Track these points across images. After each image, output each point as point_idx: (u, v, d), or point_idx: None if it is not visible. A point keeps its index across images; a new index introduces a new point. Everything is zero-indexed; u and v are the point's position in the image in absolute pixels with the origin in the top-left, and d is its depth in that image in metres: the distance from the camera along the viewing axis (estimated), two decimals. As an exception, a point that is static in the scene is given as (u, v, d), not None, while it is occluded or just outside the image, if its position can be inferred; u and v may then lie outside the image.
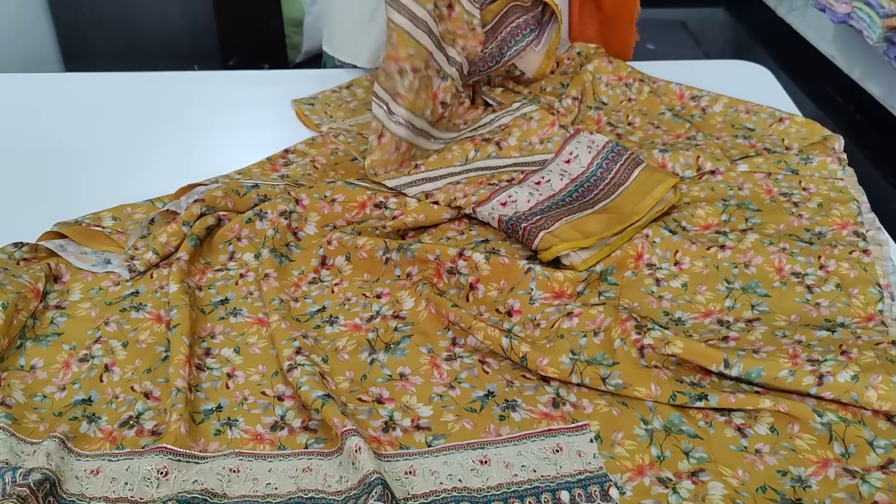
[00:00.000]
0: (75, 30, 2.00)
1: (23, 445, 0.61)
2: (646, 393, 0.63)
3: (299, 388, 0.64)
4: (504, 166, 0.90)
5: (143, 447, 0.62)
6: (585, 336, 0.68)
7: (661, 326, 0.67)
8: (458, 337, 0.71)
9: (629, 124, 1.02)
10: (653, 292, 0.75)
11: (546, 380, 0.67)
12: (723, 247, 0.78)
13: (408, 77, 0.86)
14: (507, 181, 0.87)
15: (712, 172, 0.90)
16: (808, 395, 0.62)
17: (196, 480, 0.59)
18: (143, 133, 1.03)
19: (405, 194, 0.85)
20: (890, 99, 2.17)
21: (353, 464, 0.58)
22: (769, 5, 3.01)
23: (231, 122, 1.05)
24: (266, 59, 2.06)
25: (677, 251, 0.78)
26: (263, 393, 0.67)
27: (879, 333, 0.67)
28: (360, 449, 0.58)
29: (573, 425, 0.62)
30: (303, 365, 0.66)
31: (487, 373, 0.68)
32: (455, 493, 0.57)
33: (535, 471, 0.59)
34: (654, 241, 0.78)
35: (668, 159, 0.91)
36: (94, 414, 0.64)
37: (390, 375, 0.68)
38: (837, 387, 0.61)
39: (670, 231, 0.79)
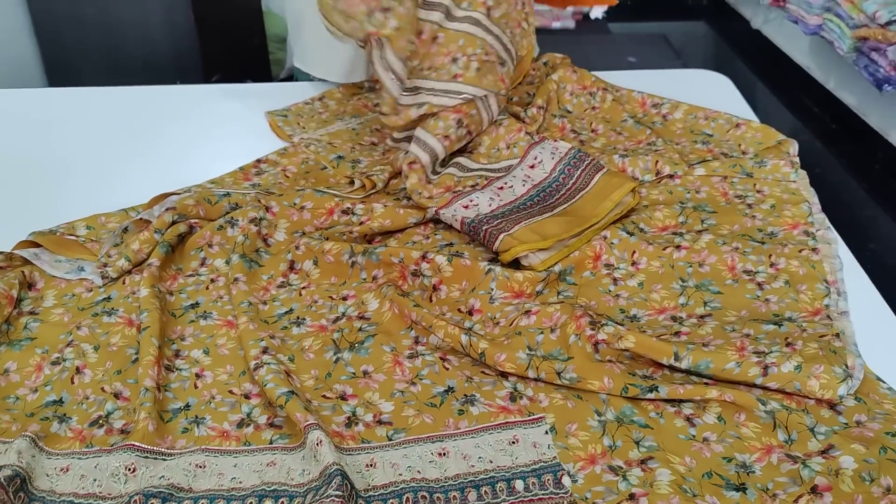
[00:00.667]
0: (58, 46, 2.02)
1: (-6, 445, 0.63)
2: (599, 386, 0.66)
3: (265, 385, 0.66)
4: (473, 170, 0.93)
5: (112, 445, 0.64)
6: (542, 333, 0.71)
7: (614, 322, 0.69)
8: (420, 336, 0.73)
9: (592, 131, 1.05)
10: (610, 291, 0.77)
11: (504, 375, 0.69)
12: (678, 247, 0.81)
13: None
14: (471, 187, 0.90)
15: (671, 176, 0.93)
16: (754, 385, 0.64)
17: (163, 476, 0.61)
18: (121, 146, 1.05)
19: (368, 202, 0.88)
20: (864, 107, 2.22)
21: (314, 457, 0.60)
22: (745, 17, 3.06)
23: (208, 134, 1.08)
24: (249, 75, 2.09)
25: (634, 252, 0.80)
26: (231, 392, 0.69)
27: (824, 327, 0.70)
28: (320, 442, 0.60)
29: (529, 418, 0.65)
30: (269, 364, 0.68)
31: (448, 369, 0.70)
32: (413, 484, 0.59)
33: (491, 462, 0.61)
34: (612, 243, 0.81)
35: (628, 164, 0.94)
36: (64, 414, 0.66)
37: (354, 373, 0.70)
38: (781, 377, 0.63)
39: (628, 233, 0.82)
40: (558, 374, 0.67)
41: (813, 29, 2.18)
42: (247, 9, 2.25)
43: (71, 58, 2.03)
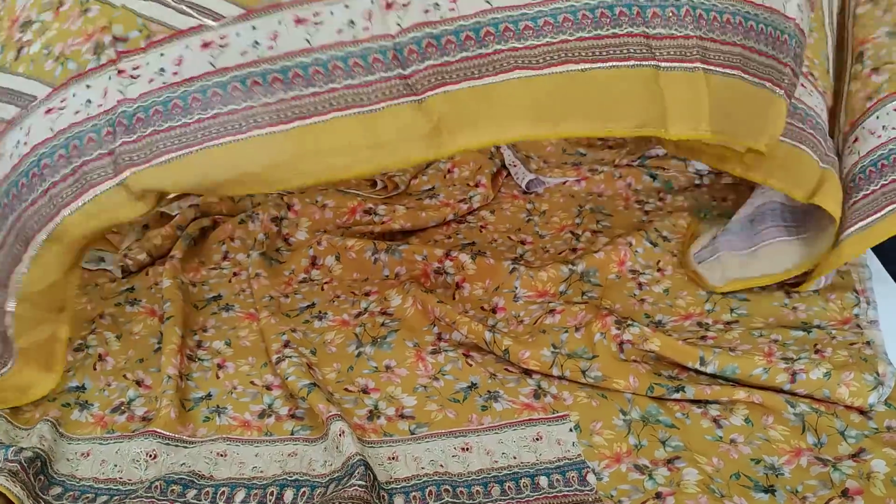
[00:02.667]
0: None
1: (18, 431, 0.62)
2: (624, 385, 0.65)
3: (286, 378, 0.66)
4: None
5: (134, 431, 0.63)
6: (567, 331, 0.70)
7: (640, 323, 0.69)
8: (443, 332, 0.73)
9: None
10: (635, 295, 0.77)
11: (528, 372, 0.68)
12: (704, 254, 0.80)
13: None
14: None
15: (698, 186, 0.92)
16: (782, 391, 0.63)
17: (184, 463, 0.60)
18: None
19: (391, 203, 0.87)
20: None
21: (336, 447, 0.59)
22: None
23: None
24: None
25: (659, 260, 0.80)
26: (252, 383, 0.68)
27: (854, 335, 0.69)
28: (343, 433, 0.59)
29: (553, 415, 0.64)
30: (290, 357, 0.68)
31: (471, 365, 0.69)
32: (436, 478, 0.59)
33: (515, 458, 0.61)
34: (636, 251, 0.80)
35: None
36: (86, 401, 0.66)
37: (376, 367, 0.70)
38: (810, 384, 0.62)
39: (651, 242, 0.81)
40: (583, 372, 0.66)
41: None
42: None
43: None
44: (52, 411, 0.64)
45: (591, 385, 0.66)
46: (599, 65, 0.52)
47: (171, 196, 0.86)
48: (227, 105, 0.51)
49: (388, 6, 0.50)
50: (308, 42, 0.50)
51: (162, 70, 0.51)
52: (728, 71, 0.54)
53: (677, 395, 0.64)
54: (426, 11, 0.50)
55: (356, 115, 0.51)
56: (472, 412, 0.65)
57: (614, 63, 0.52)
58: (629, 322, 0.69)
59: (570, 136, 0.71)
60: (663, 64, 0.52)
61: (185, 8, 0.52)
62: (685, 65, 0.53)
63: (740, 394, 0.62)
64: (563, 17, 0.51)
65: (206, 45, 0.51)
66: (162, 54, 0.52)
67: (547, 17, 0.51)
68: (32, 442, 0.60)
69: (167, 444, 0.61)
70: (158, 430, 0.61)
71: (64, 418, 0.64)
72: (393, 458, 0.60)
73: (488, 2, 0.51)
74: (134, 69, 0.52)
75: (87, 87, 0.52)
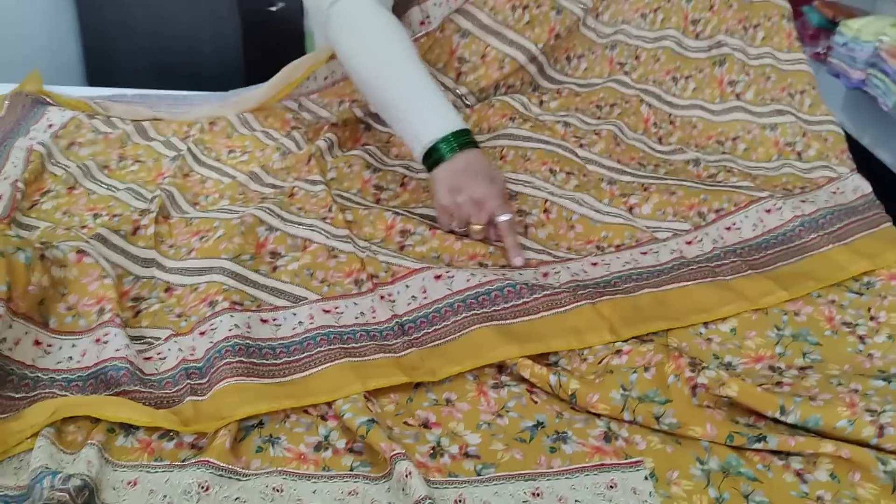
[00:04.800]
0: (103, 48, 2.01)
1: (63, 455, 0.59)
2: (702, 433, 0.62)
3: (342, 416, 0.62)
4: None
5: (184, 461, 0.60)
6: (636, 372, 0.67)
7: (714, 367, 0.66)
8: (504, 365, 0.70)
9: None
10: (701, 334, 0.74)
11: (596, 413, 0.65)
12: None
13: None
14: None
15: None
16: (868, 445, 0.60)
17: (238, 497, 0.56)
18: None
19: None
20: (901, 166, 2.20)
21: (402, 489, 0.56)
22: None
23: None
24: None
25: (723, 294, 0.77)
26: (306, 412, 0.65)
27: (935, 386, 0.66)
28: (410, 474, 0.56)
29: (627, 461, 0.61)
30: (346, 389, 0.65)
31: (536, 402, 0.66)
32: (507, 525, 0.55)
33: (589, 506, 0.57)
34: (700, 283, 0.78)
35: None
36: (131, 425, 0.62)
37: (436, 400, 0.66)
38: (899, 438, 0.59)
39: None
40: (657, 418, 0.63)
41: (855, 83, 2.16)
42: (291, 27, 2.25)
43: (115, 61, 2.02)
44: (96, 435, 0.60)
45: (663, 431, 0.63)
46: None
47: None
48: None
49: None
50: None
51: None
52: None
53: (758, 445, 0.61)
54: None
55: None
56: (541, 453, 0.61)
57: None
58: (703, 365, 0.66)
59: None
60: None
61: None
62: None
63: (828, 447, 0.59)
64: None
65: (437, 277, 0.77)
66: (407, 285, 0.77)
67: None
68: (80, 468, 0.56)
69: (220, 475, 0.57)
70: (212, 461, 0.58)
71: (108, 443, 0.61)
72: (460, 502, 0.57)
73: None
74: (389, 295, 0.77)
75: (355, 304, 0.76)
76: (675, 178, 0.98)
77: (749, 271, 0.81)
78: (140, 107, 1.12)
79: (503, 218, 0.83)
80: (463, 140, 0.83)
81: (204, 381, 0.66)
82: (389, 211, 0.88)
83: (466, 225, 0.85)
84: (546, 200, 0.92)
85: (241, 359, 0.67)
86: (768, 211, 0.90)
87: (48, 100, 1.12)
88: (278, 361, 0.68)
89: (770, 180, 1.00)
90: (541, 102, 1.07)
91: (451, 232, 0.86)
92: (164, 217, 0.87)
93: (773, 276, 0.80)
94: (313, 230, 0.84)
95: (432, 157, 0.83)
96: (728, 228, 0.89)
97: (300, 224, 0.85)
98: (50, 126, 1.05)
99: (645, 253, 0.85)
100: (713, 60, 1.13)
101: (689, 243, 0.87)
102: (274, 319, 0.74)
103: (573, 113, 1.06)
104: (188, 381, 0.66)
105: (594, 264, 0.84)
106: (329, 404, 0.65)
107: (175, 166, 0.97)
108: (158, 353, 0.70)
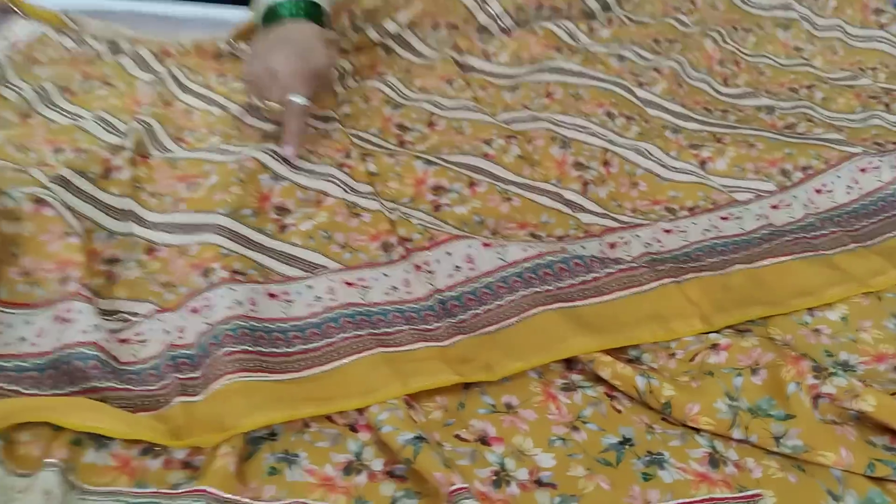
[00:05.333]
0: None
1: (12, 479, 0.44)
2: (834, 460, 0.49)
3: (379, 428, 0.48)
4: None
5: (175, 486, 0.45)
6: (740, 374, 0.53)
7: (843, 372, 0.53)
8: (575, 360, 0.56)
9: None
10: (807, 324, 0.60)
11: (695, 427, 0.52)
12: (885, 273, 0.64)
13: None
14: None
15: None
16: None
17: (248, 539, 0.43)
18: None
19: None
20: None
21: (467, 536, 0.42)
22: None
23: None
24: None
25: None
26: (330, 419, 0.51)
27: None
28: (476, 516, 0.42)
29: (742, 494, 0.48)
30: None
31: (619, 411, 0.53)
32: (601, 583, 0.42)
33: (701, 555, 0.44)
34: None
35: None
36: (102, 436, 0.48)
37: (494, 406, 0.53)
38: None
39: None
40: (776, 438, 0.50)
41: None
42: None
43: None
44: (58, 450, 0.46)
45: (783, 454, 0.50)
46: None
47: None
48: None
49: None
50: None
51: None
52: None
53: (909, 479, 0.48)
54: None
55: None
56: (633, 482, 0.48)
57: None
58: (830, 369, 0.52)
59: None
60: None
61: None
62: None
63: None
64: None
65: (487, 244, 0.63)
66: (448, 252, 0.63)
67: None
68: (33, 501, 0.42)
69: (224, 510, 0.43)
70: (212, 491, 0.44)
71: (74, 460, 0.46)
72: (538, 552, 0.44)
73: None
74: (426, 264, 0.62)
75: (385, 275, 0.61)
76: (751, 127, 0.83)
77: (852, 245, 0.67)
78: (122, 26, 0.93)
79: (295, 99, 0.70)
80: (309, 11, 0.73)
81: (197, 375, 0.52)
82: (420, 159, 0.72)
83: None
84: (606, 150, 0.77)
85: (246, 347, 0.52)
86: (863, 170, 0.76)
87: (14, 8, 0.92)
88: (291, 350, 0.54)
89: (857, 133, 0.86)
90: (591, 30, 0.90)
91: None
92: (143, 156, 0.71)
93: (880, 250, 0.67)
94: (329, 180, 0.68)
95: (269, 20, 0.73)
96: (818, 191, 0.75)
97: (312, 172, 0.69)
98: (13, 43, 0.86)
99: (725, 218, 0.71)
100: (777, 22, 0.99)
101: (775, 207, 0.73)
102: (285, 294, 0.59)
103: (628, 46, 0.90)
104: (177, 374, 0.52)
105: (667, 231, 0.69)
106: (360, 409, 0.51)
107: (155, 93, 0.80)
108: (137, 335, 0.55)
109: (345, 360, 0.53)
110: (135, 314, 0.57)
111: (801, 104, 0.90)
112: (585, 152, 0.76)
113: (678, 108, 0.85)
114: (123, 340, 0.54)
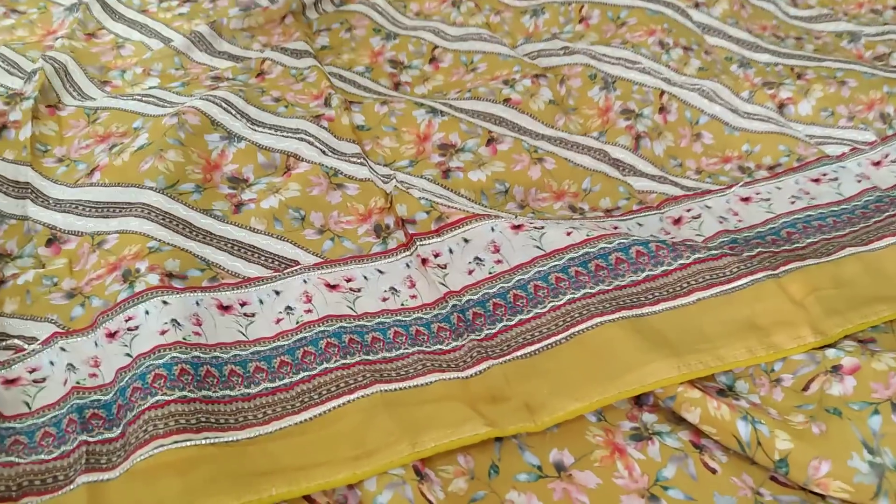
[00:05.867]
0: None
1: None
2: None
3: None
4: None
5: None
6: (877, 412, 0.38)
7: None
8: (646, 394, 0.41)
9: None
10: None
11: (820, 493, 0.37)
12: None
13: None
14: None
15: None
16: None
17: None
18: None
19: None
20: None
21: None
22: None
23: None
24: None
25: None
26: (309, 501, 0.35)
27: None
28: None
29: None
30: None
31: (714, 471, 0.37)
32: None
33: None
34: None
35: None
36: None
37: (539, 468, 0.37)
38: None
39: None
40: (944, 512, 0.35)
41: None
42: None
43: None
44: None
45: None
46: None
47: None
48: None
49: None
50: None
51: None
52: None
53: None
54: None
55: None
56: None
57: None
58: None
59: None
60: None
61: None
62: None
63: None
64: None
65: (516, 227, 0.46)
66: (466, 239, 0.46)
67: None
68: None
69: None
70: None
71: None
72: None
73: None
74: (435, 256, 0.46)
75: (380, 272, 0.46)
76: (836, 59, 0.65)
77: None
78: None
79: None
80: None
81: (114, 435, 0.36)
82: (421, 106, 0.55)
83: None
84: (662, 93, 0.59)
85: (186, 393, 0.36)
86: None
87: None
88: (252, 391, 0.38)
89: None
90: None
91: None
92: (50, 107, 0.53)
93: None
94: (300, 138, 0.51)
95: None
96: (931, 141, 0.59)
97: (278, 129, 0.52)
98: None
99: (817, 180, 0.55)
100: None
101: (877, 164, 0.57)
102: (242, 305, 0.42)
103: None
104: (85, 436, 0.36)
105: (745, 200, 0.53)
106: (351, 484, 0.36)
107: (73, 20, 0.61)
108: (32, 371, 0.39)
109: (329, 406, 0.38)
110: (29, 339, 0.40)
111: (889, 29, 0.73)
112: (635, 95, 0.59)
113: (743, 35, 0.68)
114: (11, 382, 0.38)
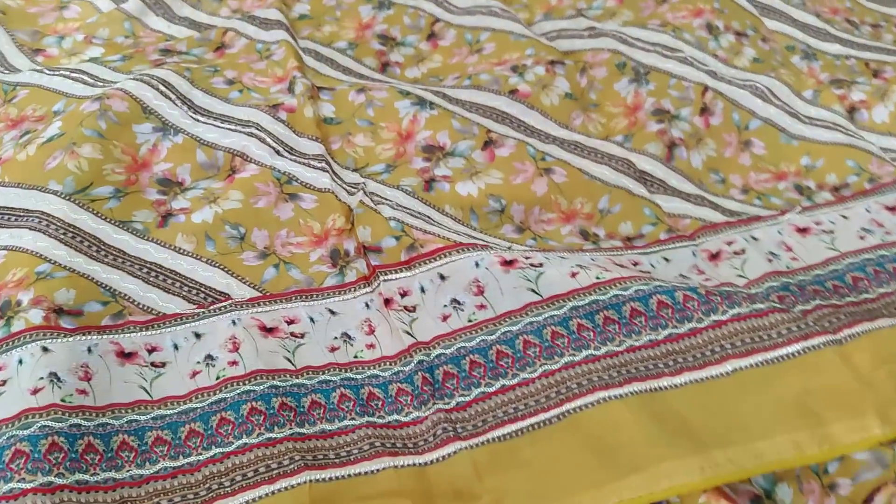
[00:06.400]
0: None
1: None
2: None
3: None
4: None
5: None
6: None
7: None
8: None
9: None
10: None
11: None
12: None
13: None
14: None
15: None
16: None
17: None
18: None
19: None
20: None
21: None
22: None
23: None
24: None
25: None
26: None
27: None
28: None
29: None
30: None
31: None
32: None
33: None
34: None
35: None
36: None
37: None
38: None
39: None
40: None
41: None
42: None
43: None
44: None
45: None
46: None
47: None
48: None
49: None
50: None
51: None
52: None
53: None
54: None
55: None
56: None
57: None
58: None
59: None
60: None
61: None
62: None
63: None
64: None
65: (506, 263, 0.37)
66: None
67: None
68: None
69: None
70: None
71: None
72: None
73: None
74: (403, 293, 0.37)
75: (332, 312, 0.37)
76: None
77: None
78: None
79: None
80: None
81: None
82: (408, 95, 0.45)
83: None
84: (706, 89, 0.49)
85: (52, 479, 0.29)
86: None
87: None
88: (145, 473, 0.30)
89: None
90: None
91: None
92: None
93: None
94: (250, 133, 0.42)
95: None
96: None
97: (226, 120, 0.42)
98: None
99: (894, 209, 0.44)
100: None
101: (970, 192, 0.46)
102: (151, 351, 0.33)
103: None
104: None
105: (802, 232, 0.43)
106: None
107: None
108: None
109: (240, 500, 0.29)
110: None
111: None
112: (672, 91, 0.48)
113: (810, 19, 0.56)
114: None
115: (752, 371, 0.35)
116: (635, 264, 0.39)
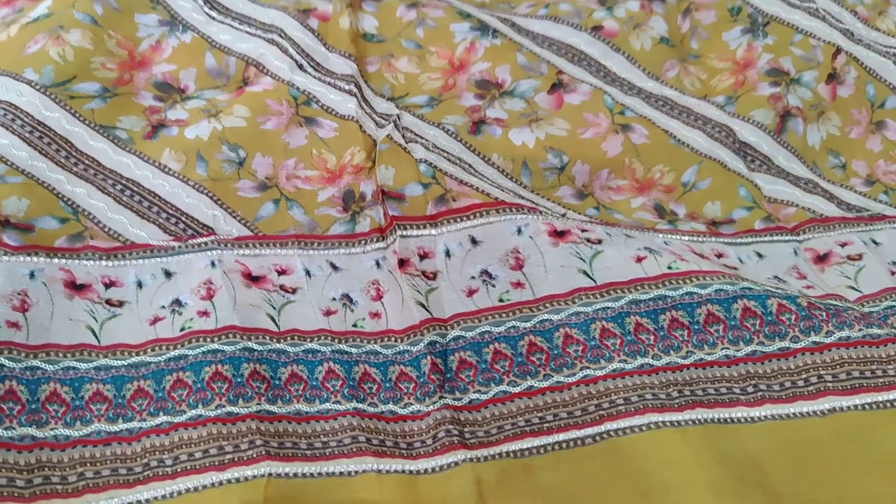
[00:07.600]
0: None
1: None
2: None
3: None
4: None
5: None
6: None
7: None
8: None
9: None
10: None
11: None
12: None
13: None
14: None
15: None
16: None
17: None
18: None
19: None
20: None
21: None
22: None
23: None
24: None
25: None
26: None
27: None
28: None
29: None
30: None
31: None
32: None
33: None
34: None
35: None
36: None
37: None
38: None
39: None
40: None
41: None
42: None
43: None
44: None
45: None
46: None
47: None
48: None
49: None
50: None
51: None
52: None
53: None
54: None
55: None
56: None
57: None
58: None
59: None
60: None
61: None
62: None
63: None
64: None
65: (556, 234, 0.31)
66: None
67: None
68: None
69: None
70: None
71: None
72: None
73: None
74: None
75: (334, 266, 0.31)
76: None
77: None
78: None
79: None
80: None
81: None
82: (468, 18, 0.37)
83: None
84: (838, 51, 0.39)
85: None
86: None
87: None
88: (75, 435, 0.25)
89: None
90: None
91: None
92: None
93: None
94: (271, 39, 0.35)
95: None
96: None
97: (245, 20, 0.36)
98: None
99: None
100: None
101: None
102: (108, 286, 0.28)
103: None
104: None
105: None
106: None
107: None
108: None
109: (180, 486, 0.23)
110: None
111: None
112: (796, 49, 0.39)
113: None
114: None
115: (856, 414, 0.27)
116: (719, 256, 0.32)
